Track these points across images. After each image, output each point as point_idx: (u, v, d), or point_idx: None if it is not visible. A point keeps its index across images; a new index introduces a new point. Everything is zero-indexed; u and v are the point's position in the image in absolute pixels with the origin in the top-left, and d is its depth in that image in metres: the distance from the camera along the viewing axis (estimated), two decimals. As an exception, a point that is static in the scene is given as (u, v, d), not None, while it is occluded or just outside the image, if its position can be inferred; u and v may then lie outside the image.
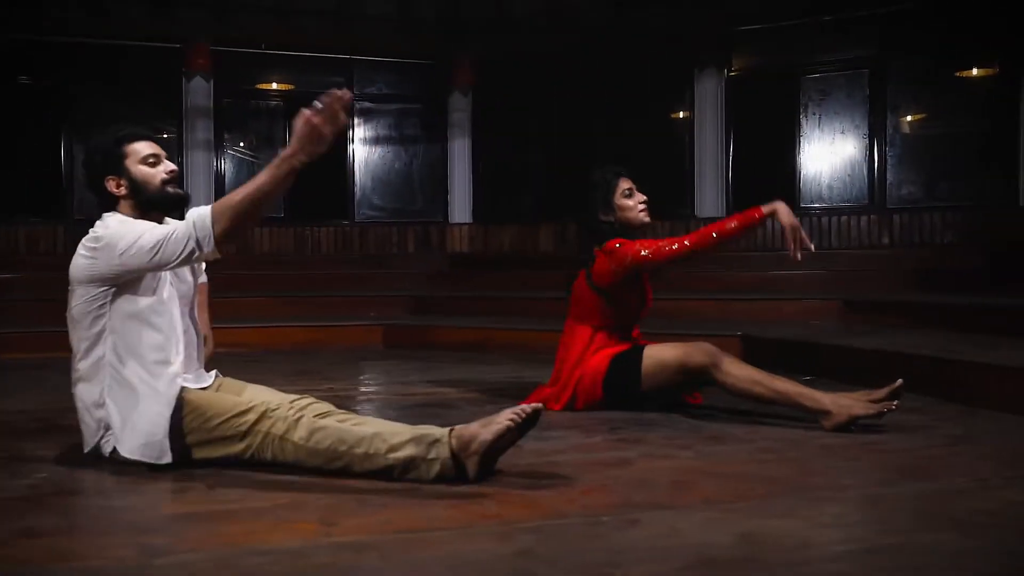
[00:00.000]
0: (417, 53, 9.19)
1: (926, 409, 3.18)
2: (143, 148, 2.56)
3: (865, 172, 7.73)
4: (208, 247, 2.35)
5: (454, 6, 9.03)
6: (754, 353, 4.54)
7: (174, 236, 2.35)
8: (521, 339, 5.44)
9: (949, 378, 3.48)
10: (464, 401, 3.60)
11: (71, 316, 2.50)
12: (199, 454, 2.36)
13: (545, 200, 9.19)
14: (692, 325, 5.27)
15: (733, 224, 3.14)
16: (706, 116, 8.24)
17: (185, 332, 2.55)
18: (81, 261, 2.45)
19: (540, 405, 2.21)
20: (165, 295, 2.50)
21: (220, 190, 8.64)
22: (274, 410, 2.32)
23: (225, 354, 3.69)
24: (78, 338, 2.48)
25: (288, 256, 8.67)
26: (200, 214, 2.38)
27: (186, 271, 2.62)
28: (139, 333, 2.43)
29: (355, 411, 2.72)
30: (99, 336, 2.44)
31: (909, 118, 7.72)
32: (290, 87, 9.05)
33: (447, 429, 2.21)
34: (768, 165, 8.19)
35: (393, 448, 2.20)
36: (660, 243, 3.25)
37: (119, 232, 2.40)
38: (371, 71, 9.21)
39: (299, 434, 2.26)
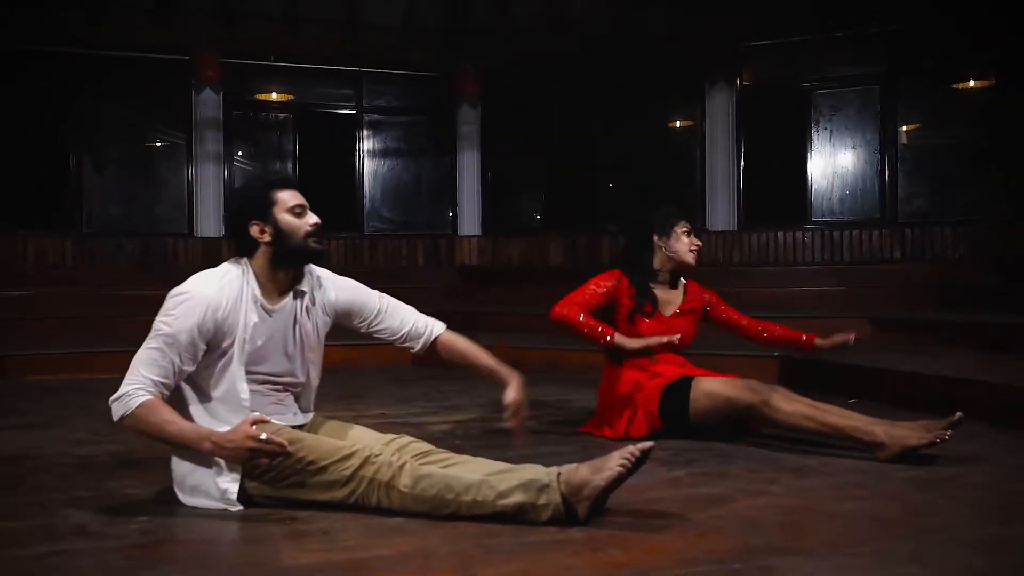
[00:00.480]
0: (424, 64, 9.19)
1: (979, 435, 3.21)
2: (291, 198, 2.48)
3: (876, 186, 7.82)
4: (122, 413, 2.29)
5: (458, 15, 9.03)
6: (793, 376, 4.60)
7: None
8: (552, 358, 5.45)
9: (998, 403, 3.54)
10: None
11: None
12: (287, 494, 2.34)
13: (554, 212, 9.23)
14: (724, 345, 5.30)
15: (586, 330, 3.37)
16: (717, 129, 8.30)
17: (271, 380, 2.52)
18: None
19: (650, 445, 2.21)
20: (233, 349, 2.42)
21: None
22: (377, 455, 2.30)
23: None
24: None
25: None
26: (133, 398, 2.29)
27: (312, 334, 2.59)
28: (206, 375, 2.41)
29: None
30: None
31: (919, 133, 7.82)
32: (298, 99, 9.02)
33: (554, 473, 2.20)
34: (779, 178, 8.27)
35: (502, 495, 2.19)
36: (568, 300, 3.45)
37: (175, 301, 2.36)
38: (379, 83, 9.22)
39: (404, 481, 2.25)
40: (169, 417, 2.28)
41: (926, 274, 7.03)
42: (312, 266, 2.57)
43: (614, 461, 2.17)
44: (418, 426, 3.75)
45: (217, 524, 2.23)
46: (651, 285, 3.48)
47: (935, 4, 7.22)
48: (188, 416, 2.39)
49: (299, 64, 8.88)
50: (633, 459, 2.17)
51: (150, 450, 3.11)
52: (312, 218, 2.47)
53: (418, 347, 2.70)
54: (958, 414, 2.83)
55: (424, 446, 2.44)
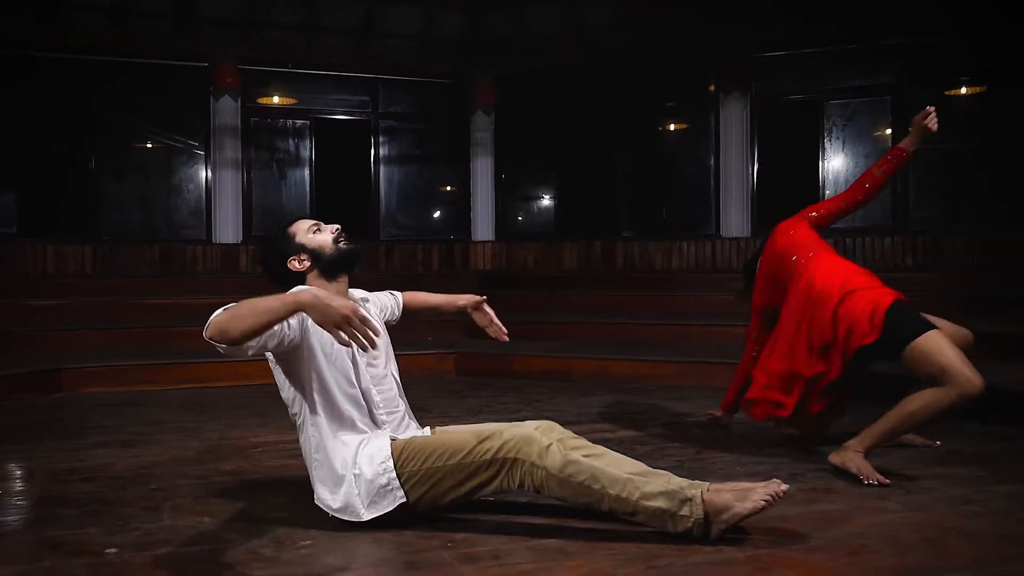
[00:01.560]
0: (440, 72, 9.27)
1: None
2: (304, 223, 2.67)
3: (888, 195, 8.02)
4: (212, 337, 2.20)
5: (476, 25, 9.15)
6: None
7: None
8: (601, 368, 5.56)
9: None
10: (627, 440, 3.73)
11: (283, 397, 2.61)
12: (431, 498, 2.44)
13: (568, 218, 9.36)
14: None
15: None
16: (731, 137, 8.47)
17: (378, 387, 2.63)
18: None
19: (788, 488, 2.35)
20: (341, 358, 2.55)
21: (248, 208, 8.65)
22: (520, 433, 2.41)
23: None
24: (285, 397, 2.59)
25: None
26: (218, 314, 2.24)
27: (377, 323, 2.71)
28: (325, 394, 2.50)
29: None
30: (298, 398, 2.54)
31: (930, 143, 8.01)
32: (315, 105, 9.05)
33: (699, 488, 2.33)
34: (792, 187, 8.46)
35: (646, 496, 2.31)
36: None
37: None
38: (395, 90, 9.28)
39: (552, 463, 2.34)
40: (254, 299, 2.20)
41: (940, 282, 7.23)
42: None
43: (759, 494, 2.30)
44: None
45: (384, 551, 2.33)
46: None
47: (943, 17, 7.42)
48: (320, 438, 2.50)
49: (316, 71, 8.93)
50: (778, 496, 2.31)
51: (260, 470, 3.21)
52: (330, 227, 2.65)
53: (397, 315, 3.07)
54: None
55: (561, 431, 2.54)
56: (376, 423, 2.58)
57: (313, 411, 2.51)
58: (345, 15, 8.81)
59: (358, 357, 2.58)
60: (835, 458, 3.08)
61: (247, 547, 2.34)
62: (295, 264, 2.62)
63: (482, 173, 9.37)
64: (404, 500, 2.44)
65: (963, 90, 7.96)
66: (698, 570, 2.13)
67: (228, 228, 8.52)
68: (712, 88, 8.57)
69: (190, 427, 4.15)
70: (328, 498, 2.51)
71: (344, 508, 2.48)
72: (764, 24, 8.05)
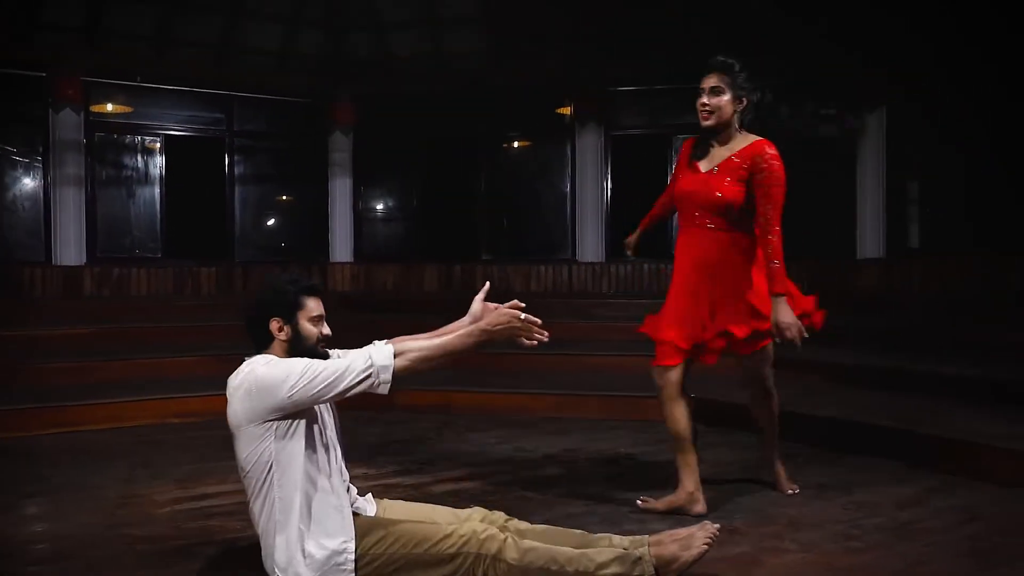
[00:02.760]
0: (298, 91, 9.16)
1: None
2: (315, 307, 2.67)
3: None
4: (385, 381, 2.48)
5: (337, 46, 9.11)
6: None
7: (350, 368, 2.47)
8: (483, 401, 5.70)
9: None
10: (540, 479, 3.90)
11: (239, 462, 2.59)
12: (387, 574, 2.52)
13: (428, 240, 9.48)
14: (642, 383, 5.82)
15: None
16: (587, 166, 8.88)
17: (333, 451, 2.68)
18: (239, 407, 2.52)
19: (719, 526, 2.62)
20: (320, 423, 2.64)
21: (92, 228, 8.20)
22: (481, 532, 2.54)
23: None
24: (248, 483, 2.58)
25: (167, 298, 8.35)
26: (380, 351, 2.52)
27: None
28: (303, 469, 2.54)
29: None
30: (263, 460, 2.55)
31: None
32: (166, 121, 8.69)
33: (643, 545, 2.56)
34: (643, 213, 8.96)
35: (601, 566, 2.51)
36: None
37: (275, 371, 2.49)
38: (251, 108, 9.08)
39: (511, 555, 2.50)
40: (422, 338, 2.67)
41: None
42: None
43: (699, 539, 2.56)
44: (438, 483, 3.93)
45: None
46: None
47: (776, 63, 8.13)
48: (292, 513, 2.52)
49: (168, 86, 8.58)
50: (715, 537, 2.58)
51: (181, 535, 3.16)
52: (326, 328, 2.69)
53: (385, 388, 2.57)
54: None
55: (502, 516, 2.73)
56: (335, 491, 2.63)
57: (281, 474, 2.52)
58: (201, 28, 8.53)
59: (327, 422, 2.63)
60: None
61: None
62: (275, 327, 2.61)
63: (341, 194, 9.33)
64: None
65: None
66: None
67: (70, 249, 8.04)
68: (569, 118, 8.95)
69: (81, 483, 3.96)
70: (281, 563, 2.53)
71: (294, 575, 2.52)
72: (619, 61, 8.51)
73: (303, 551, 2.50)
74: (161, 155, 8.62)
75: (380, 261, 9.30)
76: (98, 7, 7.98)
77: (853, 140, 8.15)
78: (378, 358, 2.49)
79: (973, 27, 6.98)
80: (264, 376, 2.48)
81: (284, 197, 9.41)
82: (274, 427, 2.51)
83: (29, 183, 8.09)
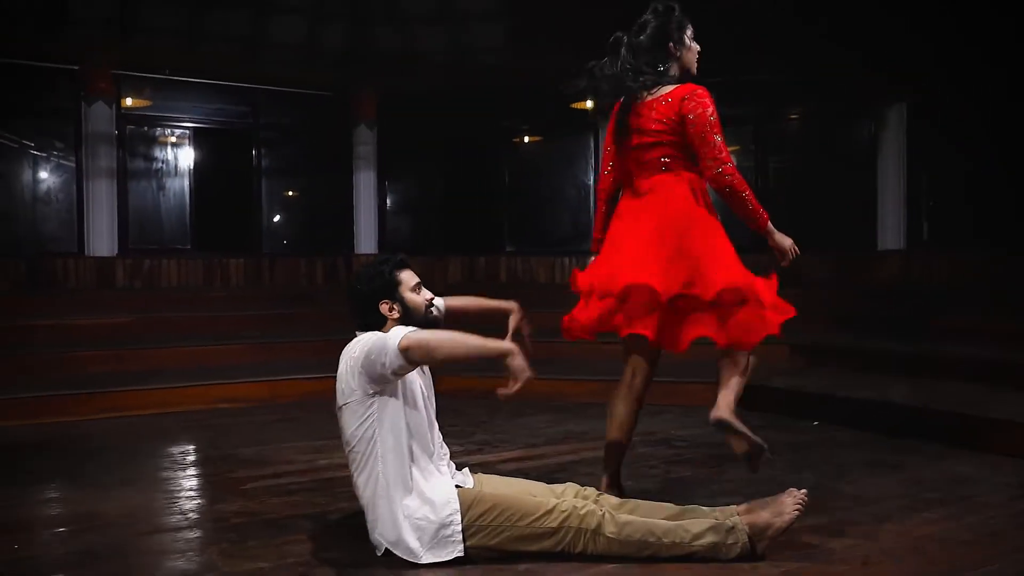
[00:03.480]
0: (323, 85, 9.23)
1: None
2: (410, 278, 2.83)
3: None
4: (403, 363, 2.53)
5: (360, 40, 9.19)
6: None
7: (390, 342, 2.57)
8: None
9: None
10: (596, 461, 4.03)
11: (344, 437, 2.72)
12: (503, 547, 2.65)
13: (451, 232, 9.58)
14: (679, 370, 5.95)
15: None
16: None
17: (431, 430, 2.81)
18: (349, 380, 2.64)
19: (804, 494, 2.74)
20: (418, 399, 2.76)
21: (124, 220, 8.28)
22: (581, 507, 2.67)
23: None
24: (353, 458, 2.70)
25: (197, 288, 8.44)
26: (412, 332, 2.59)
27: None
28: (407, 442, 2.66)
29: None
30: (368, 436, 2.66)
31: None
32: (195, 114, 8.78)
33: (735, 515, 2.68)
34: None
35: (696, 536, 2.65)
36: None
37: (380, 342, 2.59)
38: (277, 102, 9.15)
39: (610, 529, 2.64)
40: (454, 334, 2.58)
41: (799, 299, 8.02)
42: None
43: (790, 506, 2.69)
44: (514, 461, 4.05)
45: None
46: None
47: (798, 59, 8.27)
48: (396, 486, 2.64)
49: (196, 79, 8.66)
50: (805, 503, 2.70)
51: (270, 509, 3.26)
52: (427, 294, 2.85)
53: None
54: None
55: (593, 491, 2.87)
56: (436, 464, 2.75)
57: (384, 450, 2.64)
58: (228, 23, 8.60)
59: (428, 400, 2.75)
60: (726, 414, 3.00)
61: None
62: (385, 308, 2.76)
63: (365, 186, 9.42)
64: (462, 554, 2.62)
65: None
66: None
67: (103, 240, 8.12)
68: (591, 111, 9.06)
69: (152, 465, 4.07)
70: (389, 535, 2.64)
71: (405, 548, 2.62)
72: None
73: (410, 523, 2.62)
74: (190, 148, 8.71)
75: (405, 252, 9.37)
76: (127, 2, 8.06)
77: (874, 135, 8.31)
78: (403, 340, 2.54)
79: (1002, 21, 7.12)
80: (370, 348, 2.59)
81: (310, 189, 9.49)
82: (378, 401, 2.63)
83: (62, 175, 8.17)
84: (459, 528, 2.62)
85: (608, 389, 5.58)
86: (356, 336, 2.74)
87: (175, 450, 4.38)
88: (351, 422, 2.68)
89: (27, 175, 8.10)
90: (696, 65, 3.18)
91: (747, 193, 2.94)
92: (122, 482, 3.73)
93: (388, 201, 9.59)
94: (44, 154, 8.16)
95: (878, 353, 5.97)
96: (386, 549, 2.66)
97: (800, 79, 8.46)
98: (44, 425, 4.90)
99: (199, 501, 3.46)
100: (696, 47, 3.18)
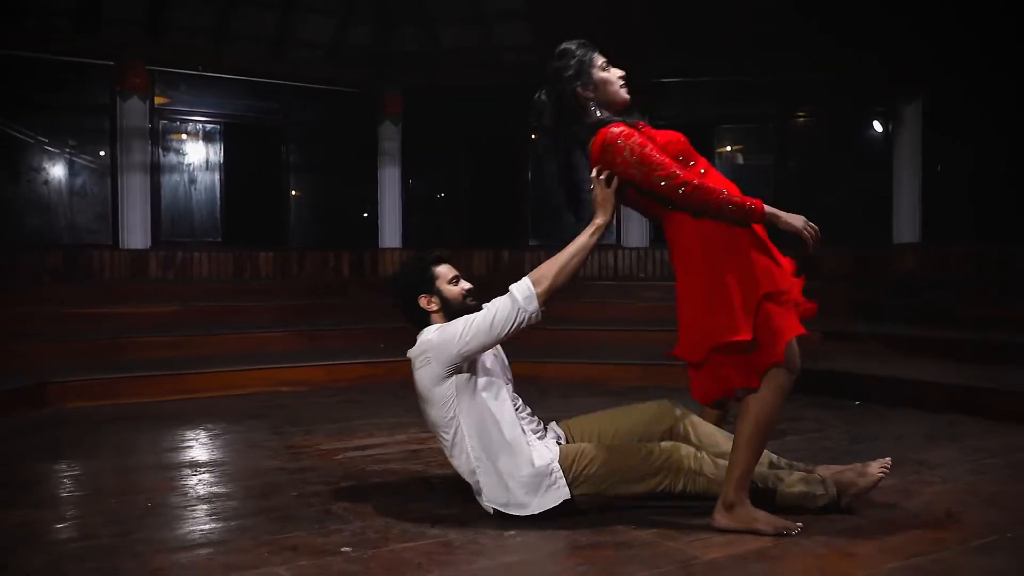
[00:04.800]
0: (349, 82, 9.40)
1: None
2: (447, 271, 3.00)
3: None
4: (533, 311, 2.76)
5: (386, 39, 9.37)
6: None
7: (500, 313, 2.76)
8: (571, 371, 6.02)
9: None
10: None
11: (431, 425, 2.93)
12: (608, 492, 2.83)
13: (476, 227, 9.76)
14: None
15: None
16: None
17: (518, 400, 3.00)
18: (422, 373, 2.85)
19: (888, 460, 2.93)
20: (493, 373, 2.92)
21: (156, 213, 8.42)
22: (680, 449, 2.84)
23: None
24: (444, 442, 2.90)
25: (229, 280, 8.58)
26: (519, 287, 2.79)
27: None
28: (491, 414, 2.83)
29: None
30: (458, 430, 2.85)
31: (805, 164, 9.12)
32: (226, 110, 8.92)
33: (823, 472, 2.88)
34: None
35: (789, 485, 2.83)
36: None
37: (445, 334, 2.80)
38: (305, 98, 9.30)
39: (709, 470, 2.81)
40: (554, 259, 2.83)
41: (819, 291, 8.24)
42: None
43: (875, 468, 2.87)
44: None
45: (578, 536, 2.69)
46: None
47: (818, 58, 8.51)
48: (495, 455, 2.82)
49: (227, 75, 8.80)
50: (888, 468, 2.89)
51: (367, 476, 3.43)
52: (464, 284, 3.01)
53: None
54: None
55: (678, 407, 3.06)
56: (522, 422, 2.91)
57: (470, 425, 2.82)
58: (258, 23, 8.77)
59: (505, 370, 2.98)
60: (720, 518, 2.67)
61: (466, 536, 2.63)
62: (424, 302, 2.95)
63: (390, 182, 9.59)
64: (568, 497, 2.80)
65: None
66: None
67: (136, 233, 8.25)
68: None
69: (240, 439, 4.23)
70: (499, 498, 2.82)
71: (516, 504, 2.79)
72: (662, 54, 8.83)
73: (515, 482, 2.78)
74: (221, 143, 8.85)
75: (429, 247, 9.54)
76: (160, 1, 8.21)
77: (890, 132, 8.57)
78: (520, 297, 2.76)
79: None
80: (436, 341, 2.81)
81: (336, 184, 9.65)
82: (454, 384, 2.82)
83: (97, 169, 8.30)
84: (561, 475, 2.79)
85: (651, 373, 5.88)
86: (421, 334, 2.91)
87: (259, 426, 4.54)
88: (435, 410, 2.86)
89: (63, 169, 8.21)
90: (622, 89, 2.84)
91: (723, 194, 2.58)
92: (226, 448, 3.90)
93: (412, 195, 9.75)
94: (80, 148, 8.28)
95: (906, 338, 6.21)
96: (495, 510, 2.83)
97: (819, 79, 8.70)
98: (123, 405, 5.08)
99: (294, 470, 3.60)
100: (614, 74, 2.85)
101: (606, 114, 2.80)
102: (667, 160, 2.65)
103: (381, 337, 6.83)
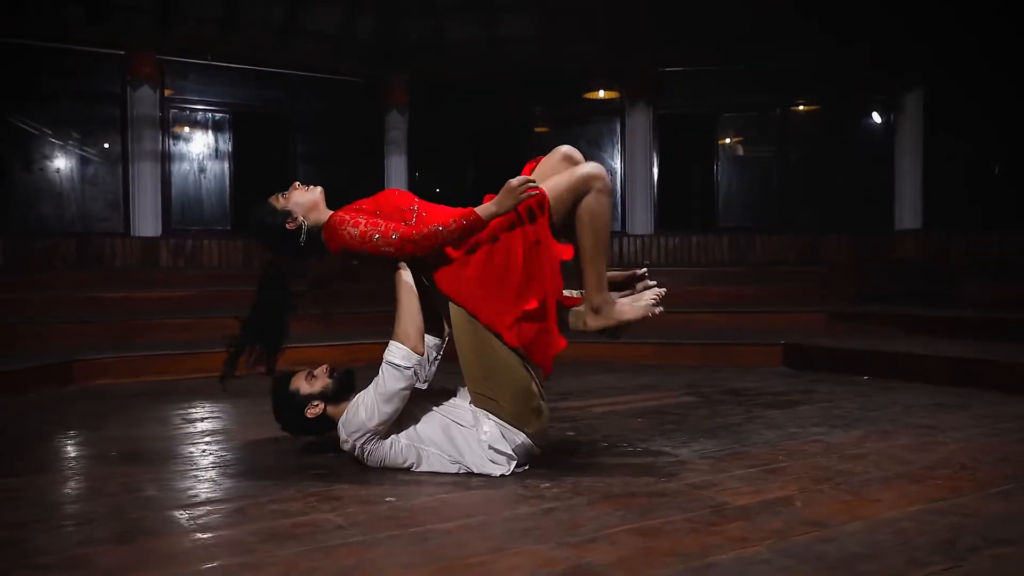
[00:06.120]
0: (355, 72, 9.49)
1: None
2: (301, 384, 3.08)
3: (775, 199, 9.15)
4: (417, 359, 2.83)
5: (393, 28, 9.46)
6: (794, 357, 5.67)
7: (389, 383, 2.81)
8: (582, 350, 6.13)
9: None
10: (675, 407, 4.34)
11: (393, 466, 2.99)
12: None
13: (481, 216, 9.85)
14: (725, 335, 6.27)
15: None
16: (636, 145, 9.31)
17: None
18: (369, 458, 2.95)
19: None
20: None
21: (167, 201, 8.50)
22: None
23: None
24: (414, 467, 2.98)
25: (239, 267, 8.67)
26: (391, 352, 2.85)
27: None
28: (422, 422, 2.97)
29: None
30: (423, 454, 2.95)
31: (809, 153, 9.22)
32: (234, 99, 9.00)
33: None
34: (690, 189, 9.45)
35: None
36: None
37: (352, 426, 2.89)
38: (312, 88, 9.38)
39: None
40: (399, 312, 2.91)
41: (821, 275, 8.38)
42: None
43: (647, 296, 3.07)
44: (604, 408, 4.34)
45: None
46: None
47: (819, 48, 8.62)
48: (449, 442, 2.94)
49: (236, 64, 8.88)
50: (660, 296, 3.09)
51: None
52: (322, 371, 3.10)
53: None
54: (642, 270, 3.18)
55: None
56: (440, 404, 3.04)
57: (432, 442, 2.96)
58: (265, 13, 8.86)
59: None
60: (591, 321, 2.98)
61: (504, 485, 2.74)
62: (311, 413, 3.01)
63: (396, 171, 9.68)
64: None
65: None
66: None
67: (147, 221, 8.34)
68: (619, 99, 9.39)
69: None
70: (489, 462, 2.92)
71: (517, 449, 2.93)
72: (667, 44, 8.95)
73: (487, 448, 2.89)
74: (229, 132, 8.94)
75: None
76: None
77: (892, 121, 8.70)
78: (400, 360, 2.82)
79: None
80: (355, 432, 2.89)
81: (343, 173, 9.72)
82: (391, 439, 2.93)
83: (108, 158, 8.37)
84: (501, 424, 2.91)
85: (664, 352, 6.01)
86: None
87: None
88: (382, 458, 2.94)
89: (74, 158, 8.29)
90: (313, 199, 3.09)
91: (441, 230, 2.81)
92: (258, 421, 4.01)
93: (418, 185, 9.84)
94: (91, 137, 8.34)
95: (911, 318, 6.33)
96: (510, 471, 2.91)
97: (820, 68, 8.82)
98: (146, 382, 5.19)
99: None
100: (296, 189, 3.11)
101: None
102: (383, 227, 2.86)
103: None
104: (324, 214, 3.03)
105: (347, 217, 2.93)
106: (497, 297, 2.84)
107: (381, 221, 2.91)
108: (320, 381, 3.03)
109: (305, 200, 3.06)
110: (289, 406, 3.03)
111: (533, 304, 2.84)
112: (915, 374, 5.01)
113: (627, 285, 3.21)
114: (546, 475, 2.91)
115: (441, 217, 2.90)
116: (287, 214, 3.03)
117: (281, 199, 3.09)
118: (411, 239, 2.81)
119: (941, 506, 2.51)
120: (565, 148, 3.06)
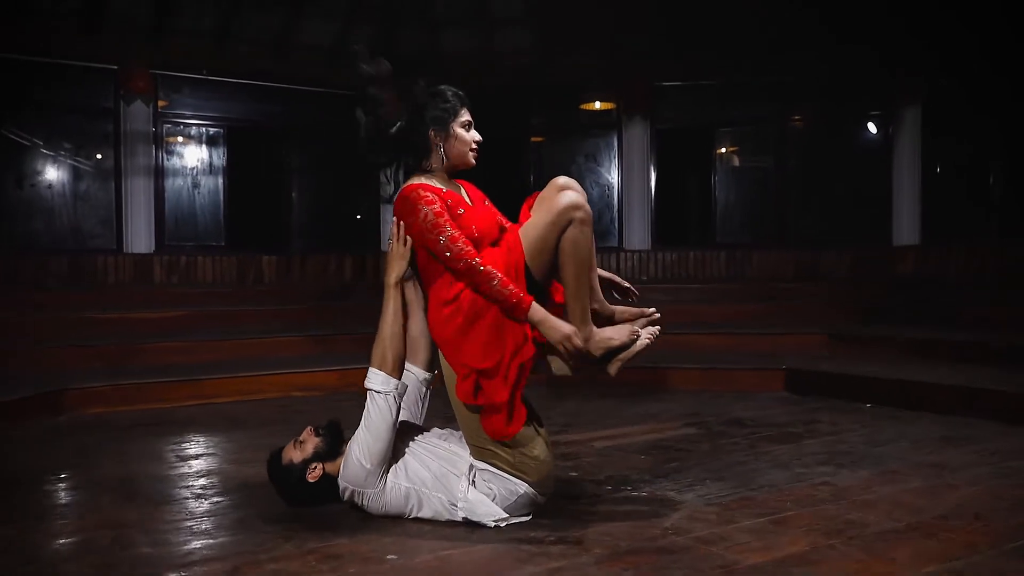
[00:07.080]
0: (351, 84, 9.36)
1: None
2: (293, 454, 2.98)
3: (773, 214, 9.09)
4: (395, 384, 2.79)
5: (389, 42, 9.37)
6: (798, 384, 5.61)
7: (373, 416, 2.77)
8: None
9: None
10: (679, 439, 4.28)
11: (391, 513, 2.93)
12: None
13: (477, 230, 9.78)
14: (726, 358, 6.21)
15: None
16: (633, 158, 9.26)
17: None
18: (369, 506, 2.89)
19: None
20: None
21: (160, 217, 8.42)
22: None
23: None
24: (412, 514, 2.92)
25: (233, 284, 8.59)
26: (370, 380, 2.82)
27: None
28: (414, 459, 2.91)
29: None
30: (420, 498, 2.89)
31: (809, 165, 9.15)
32: (229, 113, 8.91)
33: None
34: (687, 203, 9.39)
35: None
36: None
37: (350, 472, 2.83)
38: (307, 101, 9.29)
39: None
40: (380, 333, 2.91)
41: (827, 292, 8.32)
42: None
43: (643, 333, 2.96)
44: (603, 442, 4.28)
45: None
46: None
47: (817, 60, 8.57)
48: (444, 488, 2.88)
49: (230, 79, 8.80)
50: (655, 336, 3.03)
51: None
52: (310, 440, 2.99)
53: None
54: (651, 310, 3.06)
55: None
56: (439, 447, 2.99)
57: (426, 485, 2.90)
58: (260, 26, 8.77)
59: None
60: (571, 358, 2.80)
61: (510, 541, 2.67)
62: (311, 477, 2.92)
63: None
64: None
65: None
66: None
67: (140, 238, 8.25)
68: (616, 112, 9.33)
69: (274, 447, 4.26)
70: (487, 508, 2.85)
71: (509, 504, 2.87)
72: (664, 58, 8.89)
73: (481, 492, 2.83)
74: (224, 146, 8.85)
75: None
76: (164, 4, 8.19)
77: (890, 135, 8.66)
78: (379, 386, 2.79)
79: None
80: (353, 481, 2.84)
81: (338, 187, 9.65)
82: (394, 480, 2.87)
83: (101, 173, 8.28)
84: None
85: (665, 375, 5.94)
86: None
87: (280, 431, 4.54)
88: (383, 505, 2.87)
89: (66, 173, 8.19)
90: (471, 153, 3.03)
91: (494, 284, 2.69)
92: (257, 455, 3.92)
93: (415, 199, 9.76)
94: (83, 152, 8.25)
95: (913, 341, 6.26)
96: (503, 520, 2.83)
97: (819, 80, 8.78)
98: (141, 411, 5.10)
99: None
100: (471, 137, 3.01)
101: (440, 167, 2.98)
102: (458, 234, 2.76)
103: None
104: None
105: (433, 200, 2.81)
106: (461, 345, 2.75)
107: (458, 228, 2.79)
108: (309, 443, 2.95)
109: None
110: (289, 480, 2.94)
111: (488, 364, 2.71)
112: (919, 403, 4.96)
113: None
114: (550, 526, 2.84)
115: (503, 269, 2.76)
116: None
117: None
118: (470, 261, 2.72)
119: (958, 566, 2.45)
120: (562, 180, 2.94)
